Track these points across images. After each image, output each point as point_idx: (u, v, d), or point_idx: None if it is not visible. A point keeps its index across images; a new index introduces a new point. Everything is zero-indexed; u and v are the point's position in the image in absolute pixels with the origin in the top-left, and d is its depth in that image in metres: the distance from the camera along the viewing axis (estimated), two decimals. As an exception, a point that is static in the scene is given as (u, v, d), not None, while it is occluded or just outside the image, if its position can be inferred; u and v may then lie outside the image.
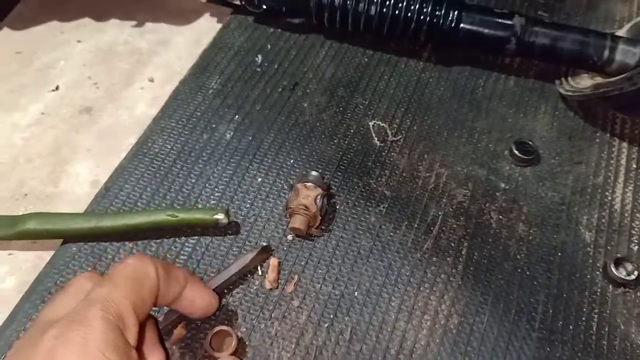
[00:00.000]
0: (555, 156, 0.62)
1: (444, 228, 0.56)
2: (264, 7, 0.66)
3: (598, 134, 0.65)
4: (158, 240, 0.53)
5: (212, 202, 0.56)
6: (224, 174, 0.57)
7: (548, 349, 0.49)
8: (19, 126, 0.60)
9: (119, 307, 0.35)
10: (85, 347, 0.32)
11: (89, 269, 0.50)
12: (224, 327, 0.45)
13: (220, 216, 0.50)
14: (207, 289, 0.45)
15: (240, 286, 0.48)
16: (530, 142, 0.62)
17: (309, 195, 0.52)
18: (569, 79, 0.66)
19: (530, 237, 0.56)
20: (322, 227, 0.53)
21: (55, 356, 0.31)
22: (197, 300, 0.43)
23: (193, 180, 0.57)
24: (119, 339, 0.34)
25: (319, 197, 0.52)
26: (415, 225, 0.56)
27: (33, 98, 0.63)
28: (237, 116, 0.63)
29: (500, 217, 0.57)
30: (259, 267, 0.50)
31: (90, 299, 0.35)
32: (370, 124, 0.63)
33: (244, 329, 0.46)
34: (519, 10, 0.68)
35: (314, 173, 0.54)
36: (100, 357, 0.32)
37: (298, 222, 0.51)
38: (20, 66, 0.66)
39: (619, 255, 0.55)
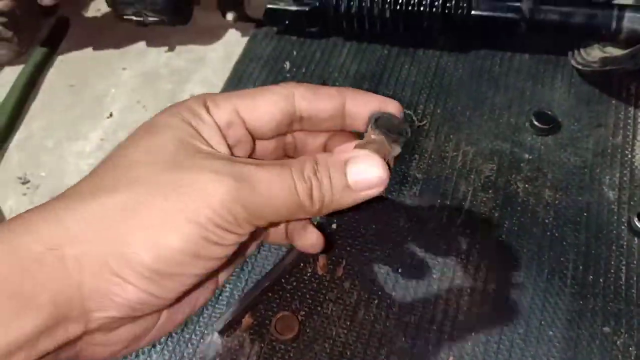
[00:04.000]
0: (574, 122, 0.65)
1: (474, 202, 0.60)
2: (286, 22, 0.70)
3: (614, 98, 0.68)
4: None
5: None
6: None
7: (581, 302, 0.53)
8: (83, 153, 0.66)
9: None
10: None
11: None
12: (286, 313, 0.49)
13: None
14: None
15: (296, 275, 0.52)
16: (549, 112, 0.65)
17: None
18: (581, 50, 0.69)
19: (556, 202, 0.59)
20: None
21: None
22: None
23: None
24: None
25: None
26: (448, 203, 0.60)
27: (91, 126, 0.69)
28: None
29: (527, 185, 0.61)
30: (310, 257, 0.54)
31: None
32: (397, 113, 0.67)
33: (303, 313, 0.50)
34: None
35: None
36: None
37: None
38: (75, 98, 0.73)
39: (641, 209, 0.58)
